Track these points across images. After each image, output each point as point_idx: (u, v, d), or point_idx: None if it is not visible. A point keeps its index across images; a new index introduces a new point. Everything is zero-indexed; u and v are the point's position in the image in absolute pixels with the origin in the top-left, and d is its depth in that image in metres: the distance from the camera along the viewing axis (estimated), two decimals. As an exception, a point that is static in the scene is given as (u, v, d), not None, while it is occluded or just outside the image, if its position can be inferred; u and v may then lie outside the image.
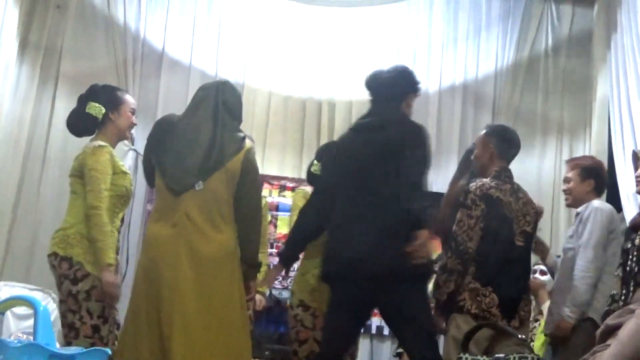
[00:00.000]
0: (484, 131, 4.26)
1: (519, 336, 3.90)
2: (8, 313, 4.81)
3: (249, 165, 3.52)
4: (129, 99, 4.10)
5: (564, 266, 4.22)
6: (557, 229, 6.43)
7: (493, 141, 4.15)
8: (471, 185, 4.04)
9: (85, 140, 4.05)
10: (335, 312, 3.69)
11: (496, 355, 3.51)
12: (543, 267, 4.88)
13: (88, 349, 2.80)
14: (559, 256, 4.47)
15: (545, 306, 4.53)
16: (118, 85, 5.54)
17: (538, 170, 6.71)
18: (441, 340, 4.02)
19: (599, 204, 4.21)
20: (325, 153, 4.50)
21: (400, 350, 5.88)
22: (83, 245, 3.74)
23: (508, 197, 4.01)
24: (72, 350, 2.77)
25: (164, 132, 3.58)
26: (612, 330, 1.64)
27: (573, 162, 4.43)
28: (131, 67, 6.45)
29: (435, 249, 4.44)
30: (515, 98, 6.74)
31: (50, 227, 5.45)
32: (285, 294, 5.83)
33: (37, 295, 4.78)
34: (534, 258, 4.98)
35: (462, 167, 4.52)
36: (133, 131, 4.17)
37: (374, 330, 6.23)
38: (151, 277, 3.40)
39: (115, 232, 3.85)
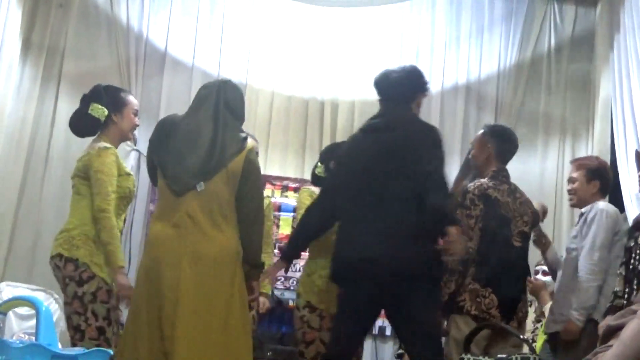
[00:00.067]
0: (482, 131, 4.26)
1: (521, 337, 3.91)
2: (10, 313, 4.82)
3: (251, 165, 3.51)
4: (132, 100, 4.09)
5: (567, 266, 4.21)
6: (559, 229, 6.42)
7: (491, 141, 4.14)
8: (469, 185, 4.04)
9: (88, 140, 4.05)
10: (345, 312, 3.67)
11: (498, 356, 3.51)
12: (545, 268, 4.87)
13: (90, 350, 2.80)
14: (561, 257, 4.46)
15: (547, 307, 4.52)
16: (120, 85, 5.55)
17: (540, 171, 6.70)
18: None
19: (604, 205, 4.20)
20: (329, 155, 4.50)
21: (401, 351, 5.88)
22: (88, 247, 3.74)
23: (506, 198, 4.01)
24: (74, 350, 2.77)
25: (166, 132, 3.57)
26: (614, 331, 1.64)
27: (578, 163, 4.41)
28: (134, 66, 6.45)
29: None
30: (518, 98, 6.74)
31: (52, 227, 5.46)
32: (288, 294, 5.84)
33: (39, 296, 4.79)
34: (532, 258, 5.00)
35: (465, 168, 4.52)
36: (136, 131, 4.18)
37: (376, 331, 6.22)
38: (153, 277, 3.39)
39: (119, 233, 3.86)
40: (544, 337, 4.58)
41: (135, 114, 4.06)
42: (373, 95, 6.71)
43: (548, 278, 4.94)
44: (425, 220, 3.51)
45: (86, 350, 2.76)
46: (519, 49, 6.82)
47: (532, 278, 5.12)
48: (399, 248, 3.48)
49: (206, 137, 3.48)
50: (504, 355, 3.56)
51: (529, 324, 5.19)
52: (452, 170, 5.74)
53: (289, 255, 3.93)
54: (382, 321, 5.99)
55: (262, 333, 5.16)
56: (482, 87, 6.84)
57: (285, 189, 6.44)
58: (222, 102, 3.57)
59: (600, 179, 4.30)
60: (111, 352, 2.84)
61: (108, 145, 3.88)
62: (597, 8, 6.74)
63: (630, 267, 3.80)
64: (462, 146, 6.38)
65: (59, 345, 2.84)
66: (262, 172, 3.91)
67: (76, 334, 3.69)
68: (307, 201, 4.29)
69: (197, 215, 3.41)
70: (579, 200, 4.33)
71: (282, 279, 5.92)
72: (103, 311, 3.71)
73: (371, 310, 3.73)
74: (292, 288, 5.93)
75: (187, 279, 3.33)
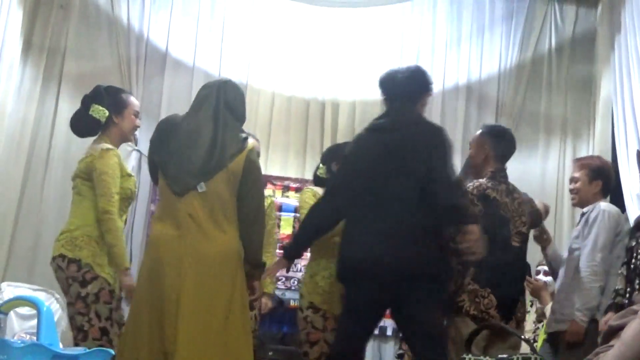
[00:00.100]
0: (479, 131, 4.25)
1: (523, 337, 3.91)
2: (11, 313, 4.81)
3: (251, 165, 3.51)
4: (133, 101, 4.09)
5: (569, 266, 4.20)
6: (560, 228, 6.42)
7: (489, 141, 4.13)
8: (468, 185, 4.03)
9: (88, 141, 4.06)
10: (350, 312, 3.67)
11: (499, 356, 3.51)
12: (546, 268, 4.87)
13: (91, 349, 2.79)
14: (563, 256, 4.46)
15: (548, 308, 4.52)
16: (121, 86, 5.55)
17: (541, 171, 6.71)
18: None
19: (606, 206, 4.20)
20: (330, 156, 4.50)
21: (401, 351, 5.88)
22: (91, 247, 3.75)
23: (504, 198, 4.01)
24: (75, 350, 2.77)
25: (167, 132, 3.58)
26: (615, 331, 1.64)
27: (581, 162, 4.40)
28: (134, 67, 6.45)
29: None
30: (519, 98, 6.74)
31: (53, 227, 5.47)
32: (289, 295, 5.84)
33: (40, 296, 4.79)
34: (533, 258, 5.00)
35: (466, 168, 4.51)
36: (137, 132, 4.18)
37: (376, 331, 6.21)
38: (154, 278, 3.40)
39: (123, 234, 3.87)
40: (544, 336, 4.58)
41: (136, 115, 4.05)
42: (374, 96, 6.76)
43: (549, 278, 4.94)
44: (444, 219, 3.54)
45: (87, 350, 2.75)
46: (519, 49, 6.82)
47: (533, 278, 5.12)
48: (406, 248, 3.49)
49: (206, 137, 3.48)
50: (504, 356, 3.56)
51: (530, 324, 5.19)
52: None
53: (291, 253, 3.92)
54: (383, 321, 5.99)
55: (263, 333, 5.16)
56: (483, 87, 6.84)
57: (286, 189, 6.44)
58: (222, 102, 3.57)
59: (603, 178, 4.30)
60: (112, 352, 2.83)
61: (110, 146, 3.89)
62: (597, 8, 6.74)
63: (632, 266, 3.81)
64: (463, 146, 6.37)
65: (60, 345, 2.84)
66: (263, 172, 3.91)
67: (79, 334, 3.70)
68: (311, 201, 4.29)
69: (199, 215, 3.41)
70: (580, 199, 4.32)
71: (283, 279, 5.92)
72: (106, 312, 3.72)
73: (376, 310, 3.73)
74: (293, 288, 5.93)
75: (189, 280, 3.33)
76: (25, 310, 4.95)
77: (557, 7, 6.90)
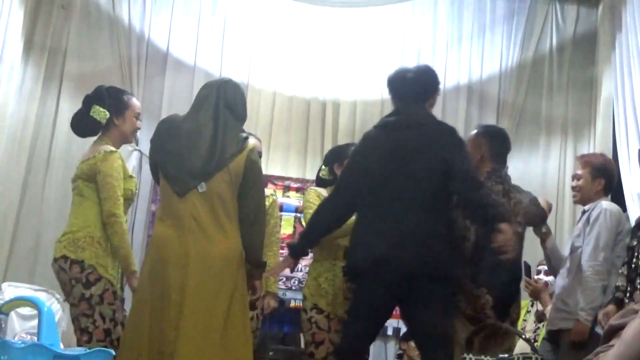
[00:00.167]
0: (475, 131, 4.23)
1: (524, 336, 3.90)
2: (12, 314, 4.81)
3: (252, 165, 3.51)
4: (135, 103, 4.08)
5: (572, 264, 4.18)
6: (561, 227, 6.41)
7: (484, 142, 4.12)
8: None
9: (89, 141, 4.06)
10: (359, 309, 3.65)
11: (500, 356, 3.51)
12: (547, 267, 4.86)
13: (92, 350, 2.80)
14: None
15: (549, 309, 4.50)
16: (122, 86, 5.56)
17: (542, 170, 6.70)
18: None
19: (608, 205, 4.19)
20: (333, 157, 4.48)
21: (400, 351, 5.89)
22: (94, 249, 3.75)
23: (501, 198, 4.00)
24: (76, 350, 2.77)
25: (167, 133, 3.57)
26: (616, 331, 1.64)
27: (585, 160, 4.38)
28: (136, 67, 6.46)
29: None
30: (520, 98, 6.74)
31: (54, 227, 5.48)
32: (289, 294, 5.83)
33: (41, 296, 4.79)
34: (534, 258, 4.99)
35: None
36: (137, 132, 4.18)
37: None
38: (155, 278, 3.39)
39: (129, 237, 3.88)
40: (544, 335, 4.57)
41: (137, 117, 4.04)
42: (374, 95, 6.79)
43: (550, 278, 4.93)
44: (476, 218, 3.56)
45: (88, 351, 2.75)
46: (520, 48, 6.82)
47: (535, 278, 5.11)
48: (420, 248, 3.49)
49: (207, 137, 3.48)
50: (505, 355, 3.56)
51: (530, 323, 5.18)
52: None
53: (298, 251, 3.90)
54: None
55: (264, 333, 5.15)
56: (484, 87, 6.84)
57: (287, 188, 6.44)
58: (222, 102, 3.57)
59: (605, 177, 4.29)
60: (113, 352, 2.83)
61: (113, 148, 3.88)
62: (599, 8, 6.74)
63: (633, 265, 3.80)
64: (464, 146, 6.37)
65: (61, 345, 2.84)
66: (264, 172, 3.91)
67: (83, 335, 3.70)
68: (315, 201, 4.29)
69: (201, 216, 3.41)
70: (582, 197, 4.31)
71: (284, 279, 5.92)
72: (110, 313, 3.72)
73: (386, 309, 3.72)
74: (293, 288, 5.93)
75: (192, 280, 3.33)
76: (26, 310, 4.97)
77: (558, 7, 6.90)
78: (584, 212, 4.29)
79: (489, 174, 4.05)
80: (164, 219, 3.51)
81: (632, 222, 4.30)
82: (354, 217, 3.82)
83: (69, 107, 6.07)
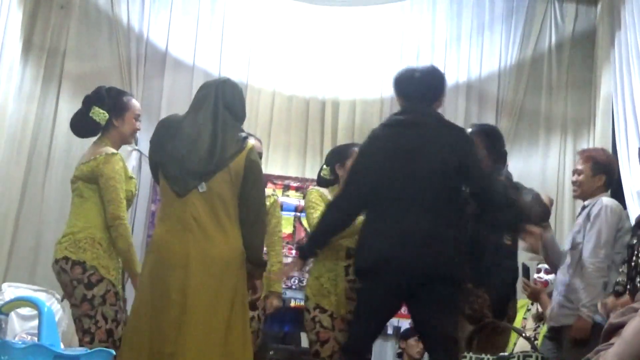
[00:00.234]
0: (469, 130, 4.23)
1: (524, 334, 3.91)
2: (12, 314, 4.81)
3: (252, 164, 3.50)
4: (134, 104, 4.07)
5: (573, 260, 4.17)
6: (560, 226, 6.41)
7: (479, 140, 4.12)
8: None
9: (89, 141, 4.05)
10: (366, 308, 3.65)
11: (500, 354, 3.51)
12: (547, 266, 4.86)
13: (92, 350, 2.80)
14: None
15: (549, 311, 4.48)
16: (121, 86, 5.56)
17: (542, 168, 6.71)
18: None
19: (608, 201, 4.19)
20: (334, 157, 4.47)
21: (400, 350, 5.90)
22: (95, 250, 3.75)
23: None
24: (77, 350, 2.77)
25: (167, 133, 3.56)
26: (616, 329, 1.64)
27: (586, 155, 4.37)
28: (135, 67, 6.46)
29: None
30: (519, 96, 6.74)
31: (54, 227, 5.48)
32: (290, 294, 5.83)
33: (41, 296, 4.79)
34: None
35: None
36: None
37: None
38: (156, 279, 3.39)
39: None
40: (545, 333, 4.58)
41: (137, 119, 4.03)
42: (374, 95, 6.79)
43: (551, 276, 4.92)
44: (504, 219, 3.56)
45: (88, 351, 2.75)
46: (519, 47, 6.82)
47: (535, 277, 5.11)
48: (429, 248, 3.48)
49: (206, 137, 3.47)
50: (506, 354, 3.57)
51: (530, 322, 5.19)
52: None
53: (308, 253, 3.88)
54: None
55: (264, 332, 5.15)
56: (483, 86, 6.84)
57: (286, 188, 6.44)
58: (221, 102, 3.56)
59: (606, 173, 4.28)
60: (113, 352, 2.83)
61: (114, 150, 3.88)
62: (597, 6, 6.74)
63: (633, 264, 3.80)
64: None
65: (62, 346, 2.84)
66: (264, 171, 3.90)
67: (86, 336, 3.69)
68: (318, 201, 4.29)
69: (201, 216, 3.41)
70: (583, 192, 4.30)
71: (285, 277, 5.92)
72: (112, 313, 3.72)
73: (392, 308, 3.73)
74: (294, 287, 5.93)
75: (193, 281, 3.33)
76: (26, 310, 4.97)
77: (557, 5, 6.90)
78: (583, 207, 4.29)
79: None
80: (164, 219, 3.51)
81: (632, 220, 4.30)
82: (360, 217, 3.82)
83: (69, 107, 6.07)
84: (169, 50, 6.63)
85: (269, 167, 6.39)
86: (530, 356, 3.47)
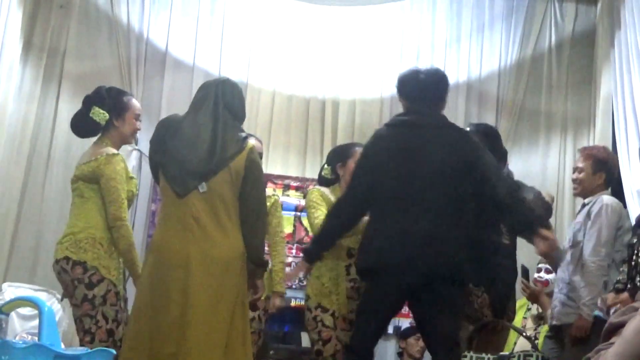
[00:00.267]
0: (467, 128, 4.23)
1: (525, 334, 3.91)
2: (13, 314, 4.81)
3: (253, 164, 3.50)
4: (134, 104, 4.07)
5: (574, 258, 4.17)
6: (561, 225, 6.42)
7: (479, 141, 4.12)
8: None
9: (89, 141, 4.05)
10: (371, 308, 3.65)
11: (500, 354, 3.52)
12: (547, 266, 4.86)
13: (93, 350, 2.80)
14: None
15: (549, 313, 4.47)
16: (121, 86, 5.56)
17: (542, 168, 6.71)
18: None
19: (609, 199, 4.19)
20: (335, 157, 4.47)
21: (400, 350, 5.90)
22: (96, 250, 3.75)
23: None
24: (77, 350, 2.77)
25: (167, 133, 3.56)
26: (616, 329, 1.64)
27: (587, 152, 4.37)
28: (135, 67, 6.46)
29: None
30: (519, 96, 6.74)
31: (54, 227, 5.48)
32: (290, 293, 5.81)
33: (41, 296, 4.79)
34: (535, 256, 4.99)
35: None
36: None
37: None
38: (156, 280, 3.39)
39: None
40: (546, 332, 4.58)
41: (137, 118, 4.03)
42: (374, 94, 6.78)
43: (551, 275, 4.92)
44: (522, 224, 3.56)
45: (89, 350, 2.76)
46: (519, 46, 6.82)
47: (535, 276, 5.11)
48: (434, 249, 3.48)
49: (206, 137, 3.48)
50: (506, 353, 3.57)
51: (530, 321, 5.19)
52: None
53: (313, 255, 3.88)
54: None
55: (264, 332, 5.15)
56: (483, 85, 6.84)
57: (286, 187, 6.44)
58: (220, 101, 3.57)
59: (607, 171, 4.29)
60: (114, 352, 2.83)
61: (115, 151, 3.89)
62: (597, 5, 6.74)
63: (633, 263, 3.80)
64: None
65: (62, 345, 2.84)
66: (264, 171, 3.90)
67: (86, 336, 3.70)
68: (319, 200, 4.29)
69: (202, 216, 3.41)
70: (583, 190, 4.31)
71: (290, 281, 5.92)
72: (112, 313, 3.73)
73: (395, 308, 3.74)
74: (294, 287, 5.92)
75: (194, 282, 3.32)
76: (26, 310, 4.96)
77: (556, 5, 6.90)
78: (584, 204, 4.29)
79: None
80: (165, 219, 3.51)
81: (632, 219, 4.30)
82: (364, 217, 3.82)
83: (68, 107, 6.07)
84: (169, 50, 6.62)
85: (269, 166, 6.39)
86: (531, 355, 3.47)
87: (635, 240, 3.91)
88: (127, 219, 3.80)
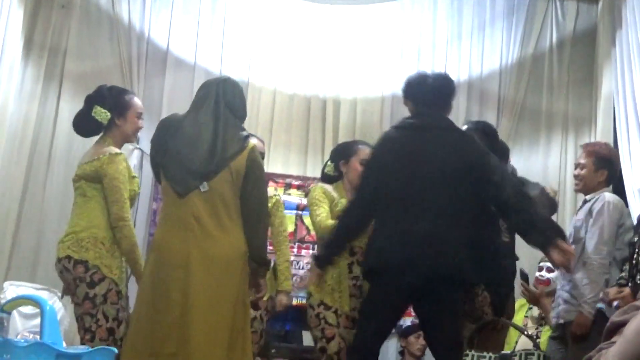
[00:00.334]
0: (465, 126, 4.24)
1: (526, 332, 3.91)
2: (14, 312, 4.79)
3: (254, 163, 3.51)
4: (136, 102, 4.07)
5: (576, 255, 4.17)
6: (562, 224, 6.39)
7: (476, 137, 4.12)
8: None
9: (90, 140, 4.06)
10: (376, 308, 3.66)
11: (502, 352, 3.52)
12: (549, 265, 4.85)
13: (94, 348, 2.80)
14: None
15: (552, 315, 4.46)
16: (123, 85, 5.56)
17: (543, 167, 6.70)
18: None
19: (611, 197, 4.19)
20: (339, 154, 4.47)
21: (401, 349, 5.90)
22: (97, 249, 3.76)
23: None
24: (79, 349, 2.77)
25: (168, 132, 3.57)
26: (618, 328, 1.64)
27: (589, 149, 4.37)
28: (136, 66, 6.46)
29: None
30: (520, 95, 6.74)
31: (55, 226, 5.48)
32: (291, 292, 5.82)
33: (43, 295, 4.80)
34: (536, 256, 4.99)
35: None
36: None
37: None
38: (157, 280, 3.39)
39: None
40: (548, 333, 4.57)
41: (139, 117, 4.04)
42: (375, 93, 6.78)
43: (553, 274, 4.92)
44: (537, 233, 3.55)
45: (91, 349, 2.76)
46: (520, 45, 6.81)
47: (537, 275, 5.11)
48: (440, 250, 3.50)
49: (207, 136, 3.48)
50: (507, 352, 3.57)
51: (531, 320, 5.18)
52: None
53: (324, 261, 3.88)
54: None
55: (266, 332, 5.15)
56: (484, 84, 6.84)
57: (288, 186, 6.44)
58: (221, 100, 3.57)
59: (609, 168, 4.29)
60: (116, 350, 2.84)
61: (118, 150, 3.89)
62: (598, 4, 6.73)
63: (634, 262, 3.81)
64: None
65: (64, 344, 2.84)
66: (265, 170, 3.90)
67: (87, 334, 3.71)
68: (322, 197, 4.29)
69: (203, 216, 3.41)
70: (584, 186, 4.31)
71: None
72: (113, 312, 3.73)
73: (401, 309, 3.77)
74: (295, 285, 5.92)
75: (195, 282, 3.33)
76: (28, 309, 4.97)
77: (558, 3, 6.90)
78: (585, 201, 4.29)
79: None
80: (166, 219, 3.52)
81: (634, 217, 4.31)
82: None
83: (70, 106, 6.08)
84: (170, 49, 6.62)
85: (270, 165, 6.38)
86: (532, 354, 3.47)
87: (636, 239, 3.92)
88: (129, 218, 3.81)
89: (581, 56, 6.81)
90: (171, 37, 6.63)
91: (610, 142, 6.03)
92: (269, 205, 4.23)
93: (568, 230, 4.34)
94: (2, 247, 6.03)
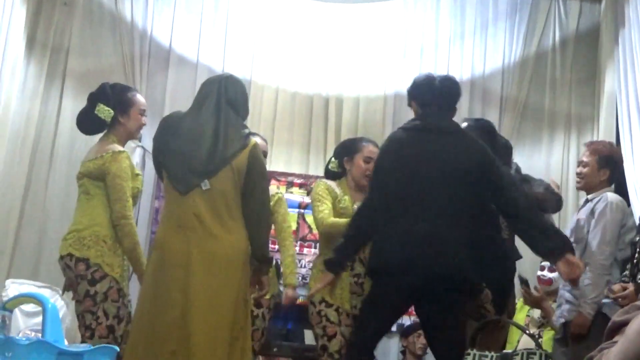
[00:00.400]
0: (466, 124, 4.23)
1: (528, 331, 3.91)
2: (16, 310, 4.82)
3: (255, 161, 3.51)
4: (139, 99, 4.08)
5: (577, 255, 4.17)
6: (564, 223, 6.40)
7: (476, 135, 4.11)
8: None
9: (92, 138, 4.06)
10: (377, 306, 3.66)
11: (504, 352, 3.51)
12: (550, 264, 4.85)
13: (96, 346, 2.80)
14: None
15: (554, 317, 4.45)
16: (125, 82, 5.55)
17: (546, 165, 6.69)
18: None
19: (613, 197, 4.18)
20: (343, 151, 4.46)
21: (402, 348, 5.89)
22: (99, 247, 3.77)
23: None
24: (80, 347, 2.78)
25: (170, 130, 3.57)
26: (619, 327, 1.64)
27: (593, 147, 4.35)
28: (138, 64, 6.46)
29: None
30: (523, 93, 6.73)
31: (57, 224, 5.48)
32: (293, 291, 5.82)
33: (45, 293, 4.79)
34: (529, 256, 4.97)
35: None
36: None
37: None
38: (159, 278, 3.40)
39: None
40: (551, 333, 4.57)
41: (142, 114, 4.05)
42: (377, 91, 6.77)
43: (554, 274, 4.91)
44: (544, 243, 3.55)
45: (92, 347, 2.76)
46: (523, 44, 6.81)
47: (538, 274, 5.10)
48: (444, 252, 3.50)
49: (209, 134, 3.48)
50: (509, 351, 3.56)
51: (532, 320, 5.17)
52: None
53: (336, 265, 3.84)
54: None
55: (268, 330, 5.15)
56: (487, 83, 6.83)
57: (290, 184, 6.44)
58: (223, 98, 3.57)
59: (611, 168, 4.28)
60: (117, 348, 2.84)
61: (121, 148, 3.90)
62: (601, 3, 6.72)
63: (635, 261, 3.80)
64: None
65: (65, 342, 2.85)
66: (267, 168, 3.90)
67: (87, 332, 3.73)
68: (325, 193, 4.28)
69: (204, 214, 3.41)
70: (586, 184, 4.30)
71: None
72: (114, 310, 3.74)
73: (402, 308, 3.77)
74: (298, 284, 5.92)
75: (196, 280, 3.33)
76: (30, 307, 4.97)
77: (560, 2, 6.88)
78: (587, 200, 4.28)
79: None
80: (168, 217, 3.52)
81: (635, 216, 4.30)
82: None
83: (72, 104, 6.09)
84: (173, 47, 6.63)
85: (272, 163, 6.38)
86: (534, 353, 3.46)
87: (638, 239, 3.91)
88: (132, 216, 3.82)
89: (584, 55, 6.81)
90: (174, 35, 6.63)
91: (613, 140, 6.03)
92: (271, 203, 4.22)
93: (569, 228, 4.33)
94: (5, 245, 6.03)
